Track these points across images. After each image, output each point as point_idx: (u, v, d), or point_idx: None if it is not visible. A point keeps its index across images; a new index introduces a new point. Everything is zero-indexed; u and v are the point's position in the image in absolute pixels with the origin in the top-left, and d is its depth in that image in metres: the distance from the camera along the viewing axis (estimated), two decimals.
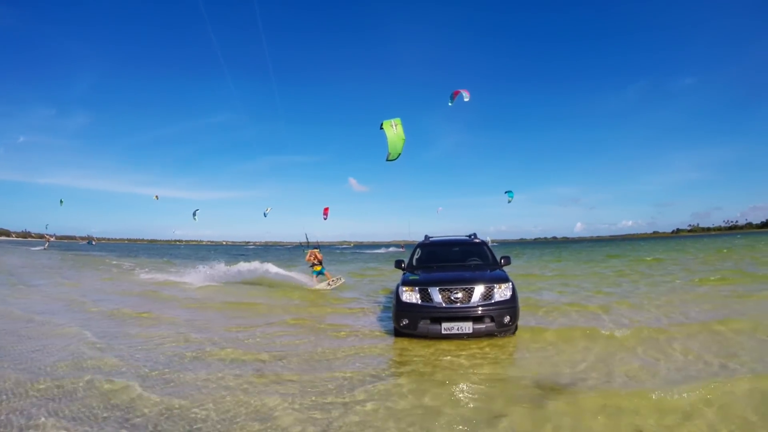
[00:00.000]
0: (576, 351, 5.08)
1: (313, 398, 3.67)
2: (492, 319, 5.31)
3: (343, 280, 12.69)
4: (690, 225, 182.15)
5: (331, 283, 12.05)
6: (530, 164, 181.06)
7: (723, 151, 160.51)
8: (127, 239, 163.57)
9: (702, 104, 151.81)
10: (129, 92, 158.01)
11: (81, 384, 3.97)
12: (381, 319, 7.33)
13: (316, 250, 12.22)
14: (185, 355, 5.08)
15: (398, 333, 5.82)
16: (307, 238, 12.94)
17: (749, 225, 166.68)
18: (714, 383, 3.68)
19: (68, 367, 4.58)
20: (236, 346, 5.53)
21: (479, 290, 5.45)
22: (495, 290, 5.47)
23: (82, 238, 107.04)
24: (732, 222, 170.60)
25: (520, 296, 5.98)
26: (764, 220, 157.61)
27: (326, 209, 21.16)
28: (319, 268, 12.20)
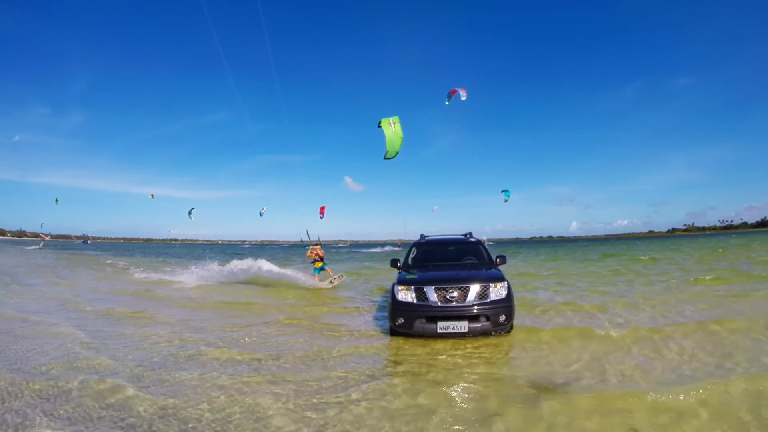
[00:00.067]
0: (571, 350, 5.09)
1: (308, 398, 3.66)
2: (487, 318, 5.32)
3: (345, 277, 12.65)
4: (685, 224, 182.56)
5: (333, 280, 11.98)
6: (526, 163, 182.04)
7: (719, 151, 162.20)
8: (123, 238, 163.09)
9: (698, 104, 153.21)
10: (127, 91, 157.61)
11: (75, 384, 3.95)
12: (376, 319, 7.32)
13: (317, 246, 12.15)
14: (180, 355, 5.06)
15: (394, 332, 5.81)
16: (308, 236, 12.88)
17: (744, 224, 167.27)
18: (709, 383, 3.69)
19: (63, 367, 4.55)
20: (231, 345, 5.51)
21: (475, 289, 5.45)
22: (491, 289, 5.47)
23: (78, 237, 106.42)
24: (727, 221, 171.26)
25: (516, 295, 5.98)
26: (759, 219, 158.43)
27: (323, 208, 21.13)
28: (320, 264, 12.10)
